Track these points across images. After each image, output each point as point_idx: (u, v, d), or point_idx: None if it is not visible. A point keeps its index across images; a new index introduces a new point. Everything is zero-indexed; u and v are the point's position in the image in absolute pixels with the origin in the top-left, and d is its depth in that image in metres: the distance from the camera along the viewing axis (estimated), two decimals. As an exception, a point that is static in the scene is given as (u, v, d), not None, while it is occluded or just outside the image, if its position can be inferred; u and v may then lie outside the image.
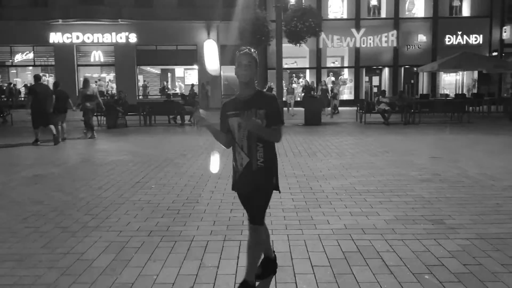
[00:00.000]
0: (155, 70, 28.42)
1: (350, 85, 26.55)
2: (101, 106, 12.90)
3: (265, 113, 2.77)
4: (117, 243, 3.88)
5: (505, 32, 25.24)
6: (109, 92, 27.07)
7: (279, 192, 3.06)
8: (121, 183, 6.21)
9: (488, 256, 3.43)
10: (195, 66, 26.81)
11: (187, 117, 16.05)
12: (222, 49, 25.90)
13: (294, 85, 25.39)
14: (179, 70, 28.54)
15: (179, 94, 24.37)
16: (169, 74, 28.69)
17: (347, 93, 26.56)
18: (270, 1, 16.95)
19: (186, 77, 28.35)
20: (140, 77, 27.57)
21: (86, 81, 12.41)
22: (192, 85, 25.11)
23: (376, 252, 3.57)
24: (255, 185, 2.82)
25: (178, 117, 16.02)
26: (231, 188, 3.03)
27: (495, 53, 25.11)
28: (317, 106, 15.52)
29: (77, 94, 14.56)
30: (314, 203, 5.03)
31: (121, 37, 25.80)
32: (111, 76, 27.59)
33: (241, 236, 3.98)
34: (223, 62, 26.29)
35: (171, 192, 5.68)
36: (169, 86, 28.17)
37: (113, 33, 25.76)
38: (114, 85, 26.89)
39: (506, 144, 9.83)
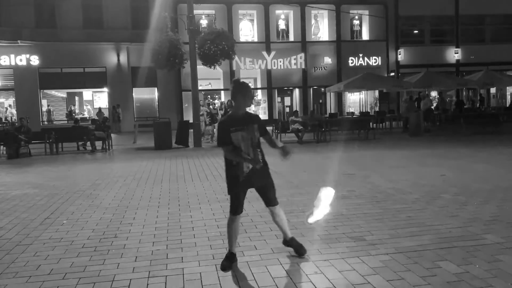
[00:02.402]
0: (61, 93, 26.81)
1: (264, 105, 27.25)
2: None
3: (258, 126, 3.78)
4: (26, 291, 3.47)
5: (399, 54, 27.76)
6: (8, 118, 24.91)
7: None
8: (27, 221, 5.63)
9: (407, 269, 3.61)
10: (105, 89, 25.75)
11: (98, 143, 15.23)
12: (133, 71, 25.23)
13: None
14: (87, 93, 27.24)
15: (87, 118, 23.18)
16: (76, 98, 27.23)
17: (261, 114, 27.18)
18: (183, 24, 16.88)
19: (95, 100, 27.13)
20: (44, 102, 25.78)
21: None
22: (100, 109, 24.03)
23: (305, 275, 3.59)
24: (264, 175, 3.83)
25: (88, 143, 15.14)
26: (231, 190, 3.80)
27: (392, 74, 27.44)
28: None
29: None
30: (240, 229, 4.96)
31: (21, 60, 24.03)
32: (10, 101, 25.45)
33: (167, 271, 3.78)
34: (134, 84, 25.61)
35: (85, 227, 5.27)
36: (77, 110, 26.68)
37: (12, 55, 23.91)
38: (14, 111, 24.80)
39: (408, 158, 10.64)
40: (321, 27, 27.79)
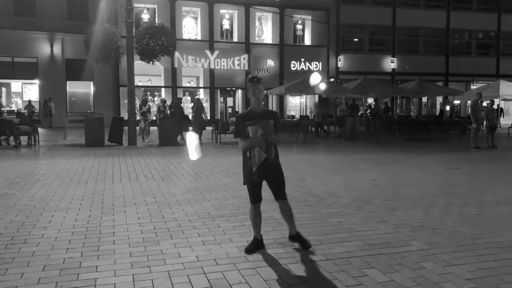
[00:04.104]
0: (-15, 84, 24.78)
1: (206, 105, 26.83)
2: None
3: (274, 122, 4.02)
4: None
5: (339, 61, 28.49)
6: None
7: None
8: None
9: (334, 278, 3.51)
10: (36, 81, 24.16)
11: (24, 138, 14.13)
12: (68, 63, 23.91)
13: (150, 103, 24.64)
14: (16, 85, 25.40)
15: (15, 111, 21.58)
16: (3, 89, 25.30)
17: (202, 113, 26.76)
18: (121, 16, 16.15)
19: (25, 92, 25.35)
20: (-35, 92, 23.71)
21: None
22: (29, 101, 22.51)
23: (228, 286, 3.38)
24: (276, 169, 4.07)
25: (12, 138, 14.02)
26: (247, 181, 4.05)
27: (332, 79, 28.10)
28: (173, 126, 15.16)
29: None
30: (165, 234, 4.67)
31: None
32: None
33: (77, 282, 3.41)
34: (69, 77, 24.25)
35: (-8, 231, 4.73)
36: (3, 103, 24.80)
37: None
38: None
39: (344, 162, 10.82)
40: (265, 30, 27.89)
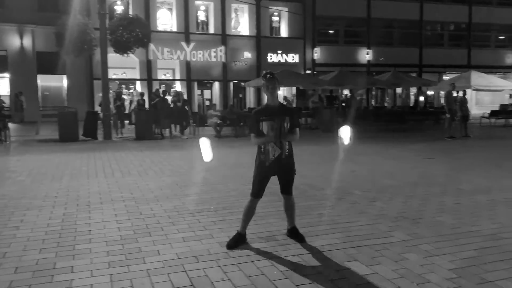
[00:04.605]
0: (-49, 77, 23.81)
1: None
2: None
3: (289, 119, 3.98)
4: None
5: (316, 53, 28.53)
6: None
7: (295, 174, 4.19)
8: None
9: (317, 272, 3.48)
10: (6, 75, 23.35)
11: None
12: (39, 56, 23.19)
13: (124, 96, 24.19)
14: (-17, 79, 24.46)
15: (-16, 106, 20.79)
16: (-30, 83, 24.35)
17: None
18: (94, 8, 15.69)
19: (-6, 86, 24.45)
20: None
21: None
22: (-2, 96, 21.73)
23: (210, 283, 3.30)
24: (288, 166, 4.09)
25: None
26: (257, 175, 4.07)
27: (309, 71, 28.15)
28: (149, 120, 14.89)
29: None
30: (143, 231, 4.55)
31: None
32: None
33: (51, 284, 3.27)
34: (40, 70, 23.55)
35: (-41, 233, 4.51)
36: (-30, 97, 23.85)
37: None
38: None
39: (322, 154, 10.84)
40: (241, 21, 27.66)
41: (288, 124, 3.99)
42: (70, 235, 4.43)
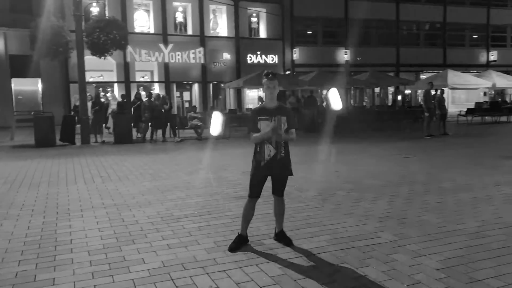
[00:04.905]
0: None
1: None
2: None
3: (287, 119, 3.97)
4: None
5: (295, 53, 28.62)
6: None
7: (292, 175, 4.19)
8: None
9: (307, 277, 3.43)
10: (-23, 79, 22.63)
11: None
12: (12, 59, 22.58)
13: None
14: (-47, 83, 23.65)
15: (-46, 112, 20.15)
16: None
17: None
18: (69, 9, 15.35)
19: (-35, 91, 23.67)
20: None
21: None
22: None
23: (199, 291, 3.22)
24: (283, 167, 4.07)
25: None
26: (253, 174, 4.07)
27: (288, 72, 28.21)
28: (127, 123, 14.65)
29: None
30: (127, 239, 4.42)
31: None
32: None
33: (32, 298, 3.14)
34: (14, 74, 22.92)
35: None
36: None
37: None
38: None
39: (306, 154, 10.82)
40: (220, 23, 27.53)
41: (286, 125, 3.99)
42: (50, 245, 4.28)
